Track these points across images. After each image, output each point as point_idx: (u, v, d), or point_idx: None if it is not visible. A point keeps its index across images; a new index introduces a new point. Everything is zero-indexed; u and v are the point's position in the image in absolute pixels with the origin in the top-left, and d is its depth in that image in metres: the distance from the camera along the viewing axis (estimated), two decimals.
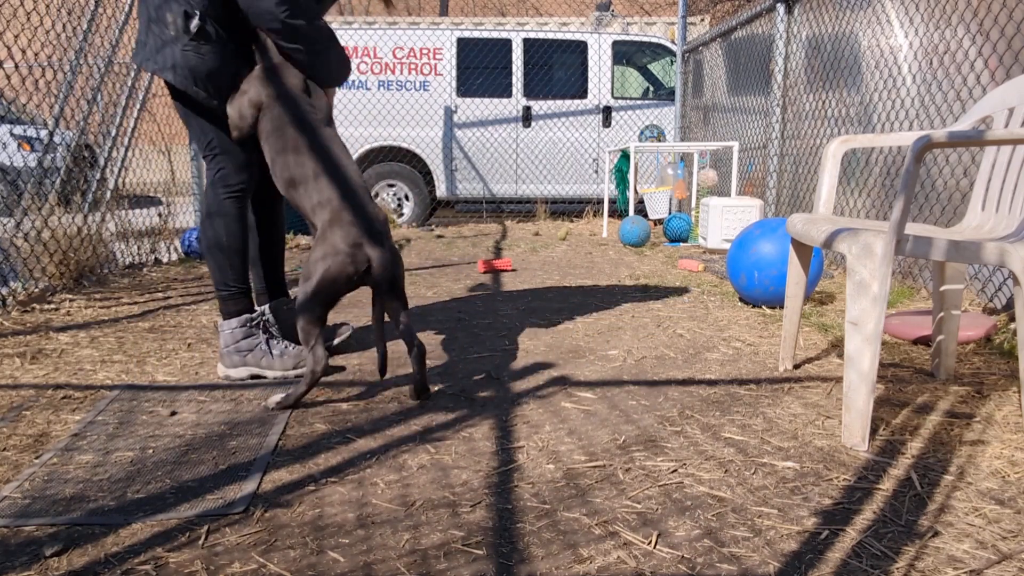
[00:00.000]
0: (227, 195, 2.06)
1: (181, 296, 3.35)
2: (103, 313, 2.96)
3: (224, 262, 2.07)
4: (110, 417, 1.77)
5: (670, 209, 6.25)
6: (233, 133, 2.00)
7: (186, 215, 5.46)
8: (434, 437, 1.65)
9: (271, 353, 2.08)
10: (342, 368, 2.19)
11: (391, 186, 6.92)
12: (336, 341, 2.35)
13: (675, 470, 1.46)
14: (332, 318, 2.75)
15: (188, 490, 1.38)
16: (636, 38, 7.20)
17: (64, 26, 3.94)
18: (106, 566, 1.13)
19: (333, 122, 2.05)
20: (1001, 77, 2.86)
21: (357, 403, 1.88)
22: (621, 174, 6.44)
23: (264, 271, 2.31)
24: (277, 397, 1.77)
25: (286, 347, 2.11)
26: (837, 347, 2.41)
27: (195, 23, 1.90)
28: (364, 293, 3.39)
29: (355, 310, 3.07)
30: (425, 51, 6.80)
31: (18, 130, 5.85)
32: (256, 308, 2.17)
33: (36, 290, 3.19)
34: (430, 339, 2.53)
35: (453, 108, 6.88)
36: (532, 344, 2.47)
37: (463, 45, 6.82)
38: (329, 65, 2.03)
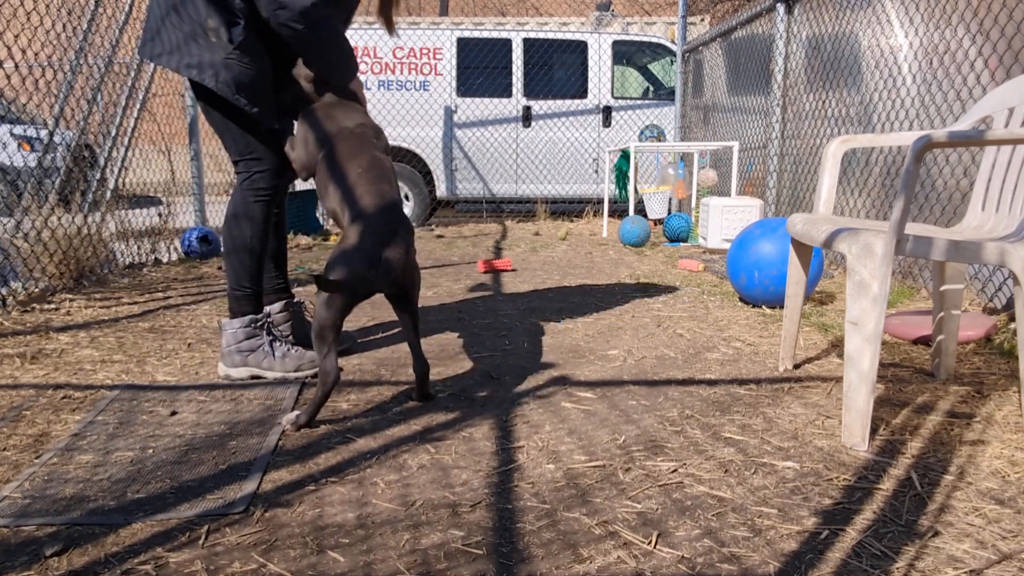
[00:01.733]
0: (256, 199, 2.07)
1: (181, 296, 3.35)
2: (103, 313, 2.96)
3: (244, 263, 2.08)
4: (110, 417, 1.77)
5: (670, 209, 6.25)
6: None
7: (186, 215, 5.45)
8: (434, 437, 1.65)
9: (273, 354, 2.08)
10: (340, 369, 2.18)
11: None
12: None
13: (675, 470, 1.46)
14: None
15: (188, 490, 1.38)
16: (636, 38, 7.20)
17: (64, 26, 3.94)
18: (106, 566, 1.13)
19: (387, 147, 2.03)
20: (1001, 77, 2.86)
21: (357, 403, 1.88)
22: (620, 172, 6.44)
23: (270, 271, 2.31)
24: (291, 416, 1.71)
25: (288, 349, 2.11)
26: (837, 347, 2.41)
27: (239, 32, 1.89)
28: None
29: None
30: (425, 51, 6.80)
31: (18, 130, 5.85)
32: (263, 310, 2.17)
33: (36, 290, 3.19)
34: (430, 339, 2.53)
35: (453, 108, 6.88)
36: (532, 344, 2.47)
37: (463, 45, 6.82)
38: (341, 63, 2.03)
